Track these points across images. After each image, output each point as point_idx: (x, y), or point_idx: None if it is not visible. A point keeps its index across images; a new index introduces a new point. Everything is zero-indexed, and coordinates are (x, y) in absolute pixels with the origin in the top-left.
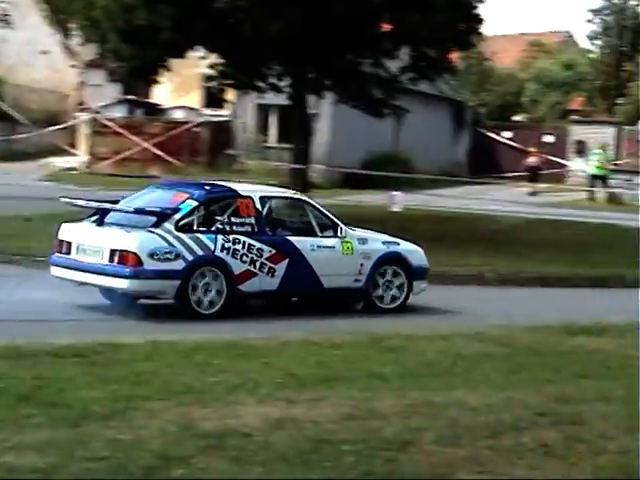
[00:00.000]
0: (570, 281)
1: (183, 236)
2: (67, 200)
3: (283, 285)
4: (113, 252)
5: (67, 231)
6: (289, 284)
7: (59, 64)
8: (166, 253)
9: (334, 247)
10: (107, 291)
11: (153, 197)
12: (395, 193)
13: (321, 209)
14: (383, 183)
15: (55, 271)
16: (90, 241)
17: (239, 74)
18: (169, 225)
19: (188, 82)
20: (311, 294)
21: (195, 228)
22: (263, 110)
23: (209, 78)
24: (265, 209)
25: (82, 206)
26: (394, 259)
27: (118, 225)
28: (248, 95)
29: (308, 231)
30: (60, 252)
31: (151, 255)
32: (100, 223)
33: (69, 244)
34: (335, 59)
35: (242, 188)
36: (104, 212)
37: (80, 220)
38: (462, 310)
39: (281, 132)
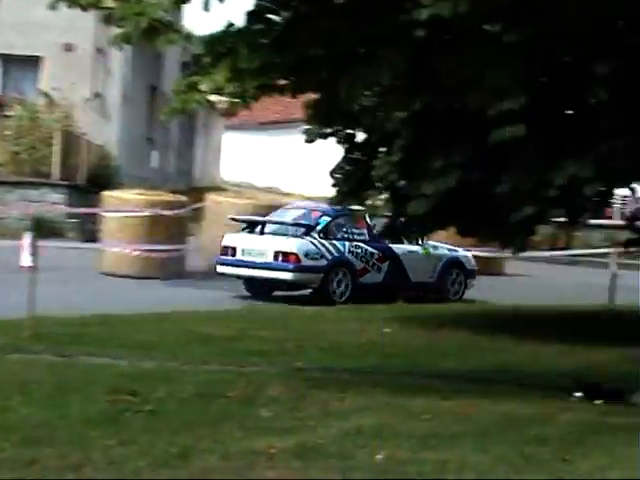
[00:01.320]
0: None
1: (325, 242)
2: (236, 217)
3: (386, 279)
4: (277, 253)
5: (230, 239)
6: (390, 278)
7: None
8: (315, 254)
9: (418, 252)
10: (249, 284)
11: (294, 214)
12: None
13: None
14: None
15: (221, 269)
16: (254, 245)
17: None
18: (314, 234)
19: None
20: (403, 286)
21: (330, 236)
22: None
23: None
24: (372, 223)
25: (247, 221)
26: (455, 262)
27: (275, 234)
28: None
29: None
30: (225, 255)
31: (306, 255)
32: (261, 233)
33: (234, 249)
34: None
35: (355, 207)
36: (263, 225)
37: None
38: None
39: None
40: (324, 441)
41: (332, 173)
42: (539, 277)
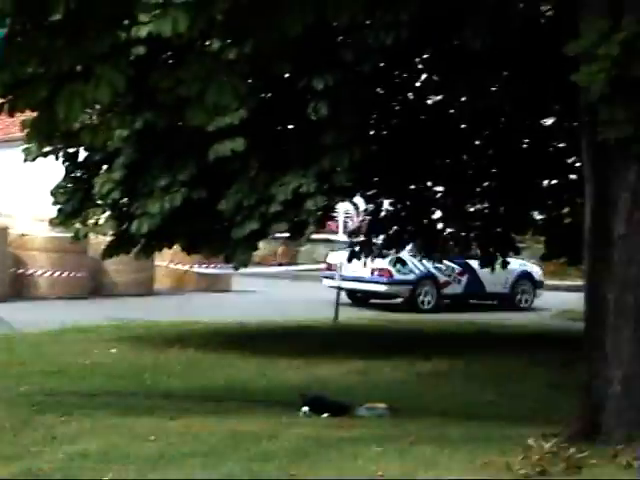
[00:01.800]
0: None
1: (413, 259)
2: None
3: (465, 290)
4: (373, 269)
5: (333, 257)
6: (468, 289)
7: None
8: (405, 269)
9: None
10: (350, 294)
11: None
12: None
13: None
14: None
15: (326, 282)
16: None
17: None
18: (405, 252)
19: None
20: (479, 296)
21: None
22: None
23: None
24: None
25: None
26: (525, 275)
27: None
28: None
29: (476, 256)
30: (329, 270)
31: (397, 270)
32: None
33: (336, 265)
34: None
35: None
36: None
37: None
38: None
39: None
40: (49, 466)
41: (53, 192)
42: (266, 293)
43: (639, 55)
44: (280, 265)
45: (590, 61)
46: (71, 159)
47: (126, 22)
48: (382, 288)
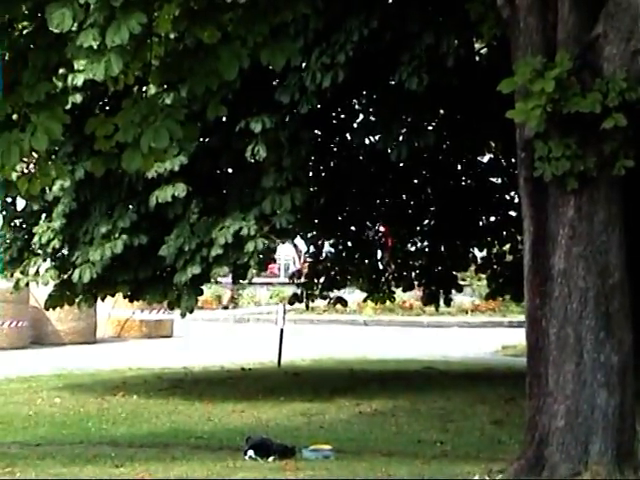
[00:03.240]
0: None
1: None
2: None
3: None
4: None
5: None
6: None
7: None
8: None
9: None
10: None
11: None
12: None
13: None
14: None
15: None
16: None
17: None
18: None
19: None
20: None
21: None
22: None
23: None
24: None
25: None
26: None
27: None
28: None
29: None
30: None
31: None
32: None
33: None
34: None
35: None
36: None
37: None
38: None
39: None
40: None
41: None
42: (208, 337)
43: (573, 91)
44: (225, 308)
45: (525, 98)
46: (9, 208)
47: (62, 70)
48: None
